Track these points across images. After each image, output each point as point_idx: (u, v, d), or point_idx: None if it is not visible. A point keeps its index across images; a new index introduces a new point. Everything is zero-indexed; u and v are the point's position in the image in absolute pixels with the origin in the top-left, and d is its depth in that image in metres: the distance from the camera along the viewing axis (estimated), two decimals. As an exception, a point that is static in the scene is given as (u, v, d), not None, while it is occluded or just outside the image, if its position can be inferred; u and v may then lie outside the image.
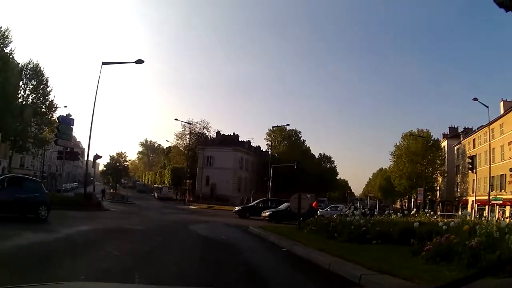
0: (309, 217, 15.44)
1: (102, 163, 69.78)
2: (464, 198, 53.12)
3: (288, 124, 59.29)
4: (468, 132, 57.49)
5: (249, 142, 72.73)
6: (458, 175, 57.64)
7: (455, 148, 60.46)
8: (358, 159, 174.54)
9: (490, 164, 37.70)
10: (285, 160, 54.29)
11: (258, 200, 34.12)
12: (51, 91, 39.57)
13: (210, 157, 64.56)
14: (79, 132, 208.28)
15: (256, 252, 10.43)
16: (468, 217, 11.74)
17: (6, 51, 32.23)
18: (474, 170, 36.82)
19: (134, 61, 24.99)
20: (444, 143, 62.57)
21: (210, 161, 64.50)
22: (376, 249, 9.15)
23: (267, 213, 27.38)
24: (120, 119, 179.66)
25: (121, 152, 72.69)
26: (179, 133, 69.84)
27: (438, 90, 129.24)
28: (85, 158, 32.78)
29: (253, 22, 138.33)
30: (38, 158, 53.49)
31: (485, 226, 7.63)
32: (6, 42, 32.41)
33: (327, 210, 36.63)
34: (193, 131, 66.91)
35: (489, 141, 41.01)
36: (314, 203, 37.44)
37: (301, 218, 15.12)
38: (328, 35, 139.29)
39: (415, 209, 20.60)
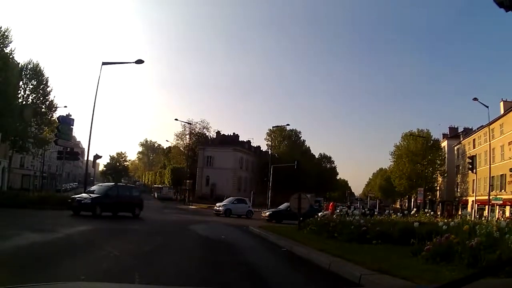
0: (309, 217, 15.44)
1: (102, 163, 69.96)
2: (464, 198, 53.12)
3: (288, 124, 59.43)
4: (468, 132, 57.49)
5: (249, 142, 72.81)
6: (458, 175, 57.64)
7: (455, 148, 60.45)
8: (358, 159, 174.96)
9: (490, 164, 37.69)
10: (285, 160, 54.30)
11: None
12: (51, 91, 39.63)
13: (210, 157, 64.57)
14: (79, 132, 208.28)
15: (256, 252, 10.43)
16: (468, 217, 11.75)
17: (6, 51, 32.23)
18: (474, 170, 36.83)
19: (134, 61, 24.99)
20: (444, 143, 62.58)
21: (210, 161, 64.51)
22: (376, 249, 9.15)
23: (267, 213, 27.41)
24: (120, 119, 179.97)
25: (121, 152, 72.92)
26: (179, 133, 69.92)
27: (438, 90, 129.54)
28: (85, 158, 32.74)
29: (253, 22, 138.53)
30: (38, 158, 53.46)
31: (485, 226, 7.63)
32: (6, 42, 32.41)
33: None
34: (193, 131, 66.90)
35: (489, 141, 41.00)
36: (332, 204, 37.04)
37: (301, 218, 15.12)
38: (328, 35, 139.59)
39: (415, 209, 20.63)
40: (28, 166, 56.33)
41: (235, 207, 30.68)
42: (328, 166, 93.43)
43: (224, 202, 32.09)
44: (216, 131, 70.74)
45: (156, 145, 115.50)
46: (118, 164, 67.68)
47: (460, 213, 33.18)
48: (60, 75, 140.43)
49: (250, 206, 32.19)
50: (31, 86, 37.89)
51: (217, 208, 30.90)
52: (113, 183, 26.09)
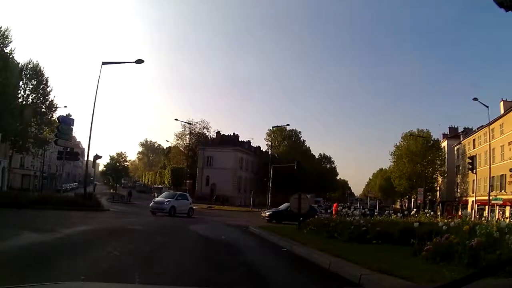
0: (309, 217, 15.43)
1: (102, 163, 69.71)
2: (464, 198, 53.12)
3: (288, 124, 59.44)
4: (468, 132, 57.50)
5: (249, 142, 72.84)
6: (458, 175, 57.64)
7: (455, 148, 60.45)
8: (358, 159, 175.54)
9: (490, 164, 37.70)
10: (285, 160, 54.33)
11: None
12: (51, 91, 39.70)
13: (210, 157, 64.57)
14: (79, 132, 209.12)
15: (256, 252, 10.43)
16: (468, 218, 11.74)
17: (6, 51, 32.25)
18: (474, 170, 36.82)
19: (134, 61, 24.97)
20: (444, 143, 62.58)
21: (210, 161, 64.51)
22: (376, 249, 9.14)
23: (267, 213, 27.36)
24: (120, 119, 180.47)
25: (121, 152, 72.49)
26: (179, 133, 70.06)
27: (438, 90, 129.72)
28: (85, 158, 32.79)
29: (253, 21, 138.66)
30: (38, 158, 53.46)
31: (485, 226, 7.62)
32: (6, 42, 32.45)
33: None
34: (193, 131, 66.98)
35: (489, 141, 41.01)
36: (335, 204, 36.86)
37: (301, 218, 15.11)
38: (329, 35, 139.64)
39: (415, 209, 20.61)
40: (28, 166, 56.31)
41: (179, 204, 24.75)
42: (328, 166, 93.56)
43: (165, 198, 25.35)
44: (216, 131, 70.91)
45: (156, 145, 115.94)
46: (118, 164, 67.42)
47: (460, 213, 33.18)
48: (60, 75, 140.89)
49: (191, 202, 26.84)
50: (31, 86, 37.96)
51: (157, 206, 24.09)
52: None
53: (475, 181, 42.13)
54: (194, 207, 26.86)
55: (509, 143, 40.94)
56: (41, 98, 38.81)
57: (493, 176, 39.38)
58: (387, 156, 71.67)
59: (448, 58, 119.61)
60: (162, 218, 22.61)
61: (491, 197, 36.42)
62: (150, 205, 24.82)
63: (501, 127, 43.31)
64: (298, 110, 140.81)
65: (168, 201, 24.28)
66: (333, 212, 25.26)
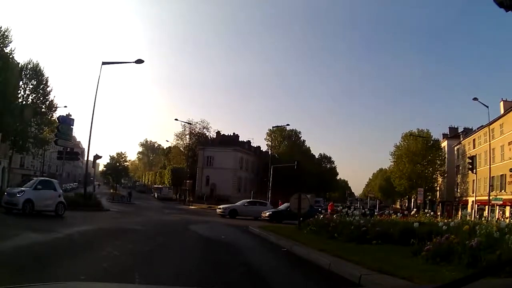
0: (309, 217, 15.44)
1: (102, 163, 69.63)
2: (464, 198, 53.09)
3: (288, 124, 59.20)
4: (468, 132, 57.46)
5: (249, 142, 72.74)
6: (458, 175, 57.61)
7: (455, 148, 60.43)
8: (358, 159, 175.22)
9: (490, 164, 37.69)
10: (285, 160, 54.27)
11: None
12: (51, 91, 39.57)
13: (210, 157, 64.54)
14: (79, 132, 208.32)
15: (256, 252, 10.43)
16: (468, 218, 11.76)
17: (6, 51, 32.23)
18: (474, 170, 36.81)
19: (134, 61, 24.96)
20: (444, 143, 62.56)
21: (210, 161, 64.49)
22: (376, 249, 9.14)
23: (267, 213, 27.34)
24: (120, 119, 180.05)
25: (121, 152, 72.31)
26: (179, 133, 69.92)
27: (438, 90, 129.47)
28: (85, 158, 32.78)
29: (254, 21, 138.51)
30: (38, 158, 53.44)
31: (485, 226, 7.63)
32: (6, 42, 32.41)
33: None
34: (193, 131, 66.95)
35: (489, 141, 40.99)
36: (331, 204, 37.06)
37: (301, 218, 15.11)
38: (328, 34, 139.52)
39: (415, 209, 20.65)
40: (28, 166, 56.31)
41: (39, 197, 16.48)
42: (328, 166, 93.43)
43: (22, 187, 17.48)
44: (216, 131, 70.76)
45: (156, 145, 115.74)
46: (118, 164, 67.28)
47: (460, 213, 33.18)
48: (60, 75, 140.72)
49: (61, 194, 18.46)
50: (31, 86, 37.84)
51: (9, 199, 16.16)
52: None
53: (475, 181, 42.10)
54: (64, 202, 18.27)
55: (509, 143, 40.90)
56: (41, 98, 38.72)
57: (493, 176, 39.35)
58: (387, 156, 71.73)
59: (448, 58, 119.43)
60: (161, 218, 22.55)
61: (491, 197, 36.40)
62: (2, 198, 16.87)
63: (501, 127, 43.28)
64: (298, 110, 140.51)
65: (21, 191, 16.32)
66: (329, 211, 25.99)
